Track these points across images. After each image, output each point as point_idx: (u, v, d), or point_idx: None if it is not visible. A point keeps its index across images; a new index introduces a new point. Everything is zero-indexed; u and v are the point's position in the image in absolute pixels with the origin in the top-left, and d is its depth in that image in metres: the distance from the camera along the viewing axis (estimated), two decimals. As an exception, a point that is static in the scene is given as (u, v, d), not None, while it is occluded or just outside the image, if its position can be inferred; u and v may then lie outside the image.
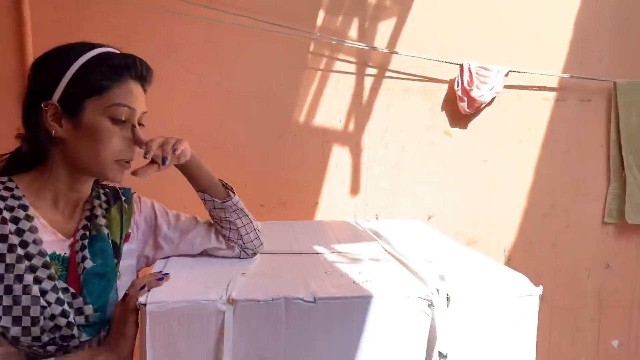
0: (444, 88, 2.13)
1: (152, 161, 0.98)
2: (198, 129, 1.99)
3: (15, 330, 0.84)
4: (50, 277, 0.88)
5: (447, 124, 2.15)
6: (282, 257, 1.21)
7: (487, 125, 2.17)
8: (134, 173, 0.98)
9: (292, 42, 2.00)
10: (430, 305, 0.94)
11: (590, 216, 2.27)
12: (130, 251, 1.05)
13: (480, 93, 2.05)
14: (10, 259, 0.85)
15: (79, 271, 0.93)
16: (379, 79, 2.09)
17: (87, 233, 0.97)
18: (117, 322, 0.90)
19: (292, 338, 0.91)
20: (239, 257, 1.17)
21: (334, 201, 2.10)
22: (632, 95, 2.19)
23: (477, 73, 2.04)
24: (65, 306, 0.88)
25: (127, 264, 1.04)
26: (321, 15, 2.04)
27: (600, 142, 2.25)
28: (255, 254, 1.18)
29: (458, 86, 2.06)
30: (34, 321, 0.85)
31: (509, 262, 2.22)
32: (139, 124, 0.97)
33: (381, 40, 2.08)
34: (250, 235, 1.15)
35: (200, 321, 0.88)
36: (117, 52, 0.97)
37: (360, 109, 2.10)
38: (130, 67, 0.94)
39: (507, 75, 2.08)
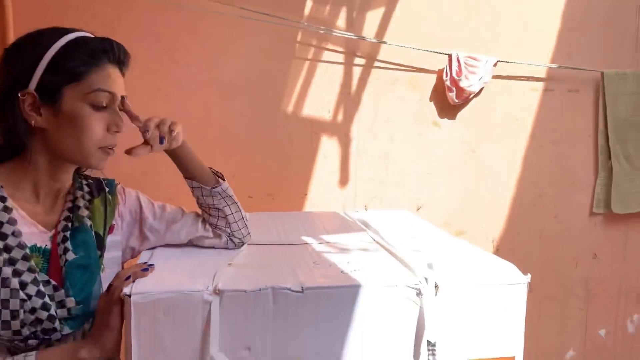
0: (433, 78, 2.12)
1: (145, 142, 0.96)
2: (184, 119, 1.92)
3: (-6, 324, 0.82)
4: (30, 270, 0.86)
5: (436, 114, 2.14)
6: (269, 247, 1.19)
7: (475, 116, 2.17)
8: (128, 152, 0.97)
9: (279, 31, 1.97)
10: (419, 294, 0.93)
11: (578, 206, 2.29)
12: (114, 243, 1.03)
13: (469, 83, 2.04)
14: (-12, 251, 0.83)
15: (60, 263, 0.91)
16: (367, 69, 2.08)
17: (69, 224, 0.94)
18: (101, 314, 0.88)
19: (279, 328, 0.90)
20: (226, 247, 1.15)
21: (322, 192, 2.09)
22: (619, 85, 2.20)
23: (465, 63, 2.04)
24: (46, 299, 0.86)
25: (111, 255, 1.02)
26: (309, 4, 2.01)
27: (588, 132, 2.26)
28: (242, 243, 1.17)
29: (447, 76, 2.05)
30: (14, 315, 0.83)
31: (497, 252, 2.22)
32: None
33: (369, 30, 2.06)
34: (238, 224, 1.13)
35: (186, 312, 0.87)
36: (92, 36, 0.94)
37: (349, 100, 2.08)
38: (107, 51, 0.91)
39: (495, 65, 2.08)
